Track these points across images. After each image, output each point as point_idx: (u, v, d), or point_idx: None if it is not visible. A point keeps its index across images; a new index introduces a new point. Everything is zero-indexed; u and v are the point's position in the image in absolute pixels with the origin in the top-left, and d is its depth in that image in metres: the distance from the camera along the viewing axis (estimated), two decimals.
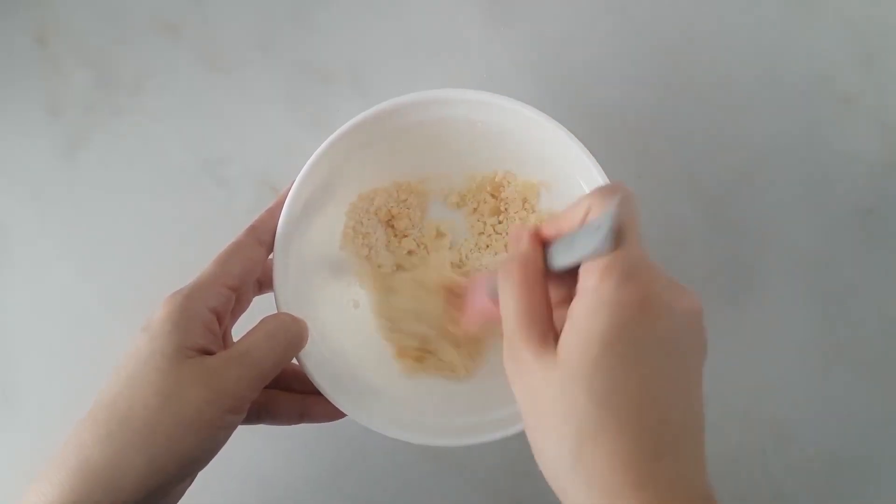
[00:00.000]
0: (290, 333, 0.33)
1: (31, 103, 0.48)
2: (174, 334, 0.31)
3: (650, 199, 0.46)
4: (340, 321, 0.41)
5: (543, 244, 0.29)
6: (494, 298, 0.32)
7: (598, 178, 0.37)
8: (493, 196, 0.43)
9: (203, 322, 0.32)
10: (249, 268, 0.35)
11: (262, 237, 0.36)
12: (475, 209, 0.43)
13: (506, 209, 0.42)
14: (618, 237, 0.24)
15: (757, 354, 0.45)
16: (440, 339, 0.41)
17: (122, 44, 0.48)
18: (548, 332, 0.27)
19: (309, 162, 0.38)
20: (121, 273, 0.46)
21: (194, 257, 0.46)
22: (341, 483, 0.44)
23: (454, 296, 0.39)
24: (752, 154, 0.47)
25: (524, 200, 0.42)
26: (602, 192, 0.26)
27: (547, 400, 0.25)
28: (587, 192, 0.39)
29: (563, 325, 0.26)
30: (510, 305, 0.27)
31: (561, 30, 0.48)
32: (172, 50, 0.48)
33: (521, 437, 0.44)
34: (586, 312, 0.25)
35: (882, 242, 0.46)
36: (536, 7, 0.48)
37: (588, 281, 0.25)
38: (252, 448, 0.44)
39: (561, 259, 0.27)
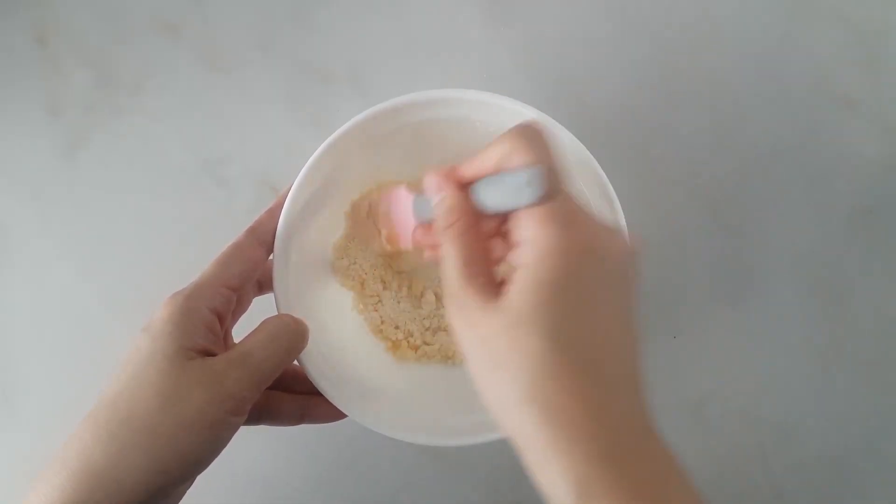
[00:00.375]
0: (292, 334, 0.33)
1: (31, 103, 0.48)
2: (175, 335, 0.31)
3: (650, 199, 0.46)
4: (340, 321, 0.41)
5: (466, 187, 0.29)
6: (424, 221, 0.33)
7: (597, 178, 0.37)
8: None
9: (204, 323, 0.32)
10: (250, 268, 0.35)
11: (262, 238, 0.36)
12: None
13: None
14: (552, 188, 0.26)
15: (757, 354, 0.45)
16: (430, 330, 0.41)
17: (122, 44, 0.48)
18: (490, 280, 0.28)
19: (309, 162, 0.38)
20: (121, 273, 0.46)
21: (194, 257, 0.46)
22: (342, 483, 0.44)
23: (378, 213, 0.40)
24: (752, 154, 0.47)
25: None
26: (521, 133, 0.27)
27: (500, 346, 0.26)
28: (585, 190, 0.39)
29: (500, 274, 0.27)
30: (452, 257, 0.28)
31: (561, 30, 0.48)
32: (172, 50, 0.48)
33: None
34: (532, 260, 0.26)
35: (882, 242, 0.46)
36: (536, 7, 0.48)
37: (528, 230, 0.26)
38: (253, 449, 0.44)
39: (491, 204, 0.28)
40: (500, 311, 0.26)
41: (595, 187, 0.38)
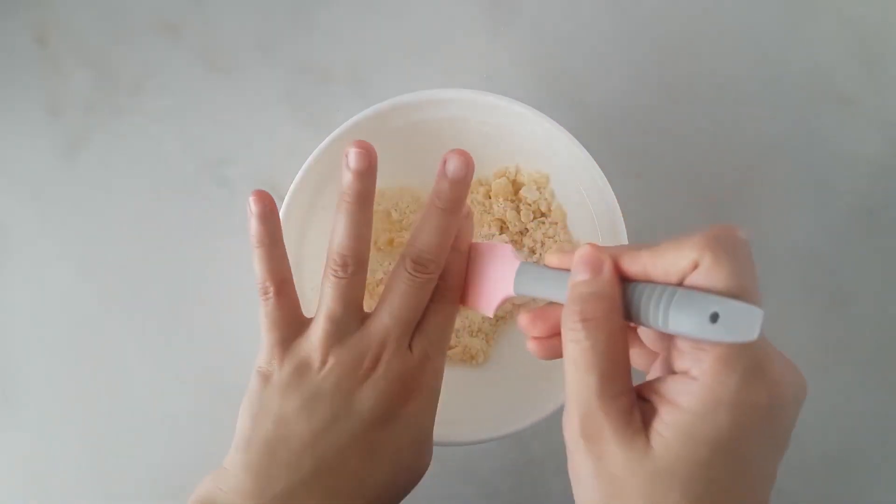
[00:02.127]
0: None
1: (31, 103, 0.48)
2: None
3: (650, 199, 0.46)
4: None
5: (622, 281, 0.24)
6: (526, 297, 0.30)
7: (597, 178, 0.37)
8: (511, 181, 0.42)
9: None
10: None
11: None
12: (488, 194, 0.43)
13: (523, 197, 0.42)
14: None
15: None
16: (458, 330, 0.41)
17: (122, 44, 0.48)
18: (633, 406, 0.23)
19: (306, 163, 0.38)
20: (121, 273, 0.46)
21: (194, 257, 0.47)
22: None
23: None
24: (752, 154, 0.47)
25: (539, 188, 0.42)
26: (723, 244, 0.22)
27: (629, 493, 0.22)
28: (585, 195, 0.39)
29: (648, 404, 0.23)
30: (591, 364, 0.23)
31: (561, 30, 0.48)
32: (172, 50, 0.48)
33: (522, 438, 0.44)
34: (698, 407, 0.22)
35: (882, 243, 0.46)
36: (536, 7, 0.48)
37: (701, 367, 0.22)
38: None
39: (655, 319, 0.23)
40: (645, 456, 0.22)
41: (594, 191, 0.38)
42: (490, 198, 0.42)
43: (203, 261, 0.47)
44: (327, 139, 0.38)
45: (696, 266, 0.22)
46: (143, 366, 0.46)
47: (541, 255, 0.42)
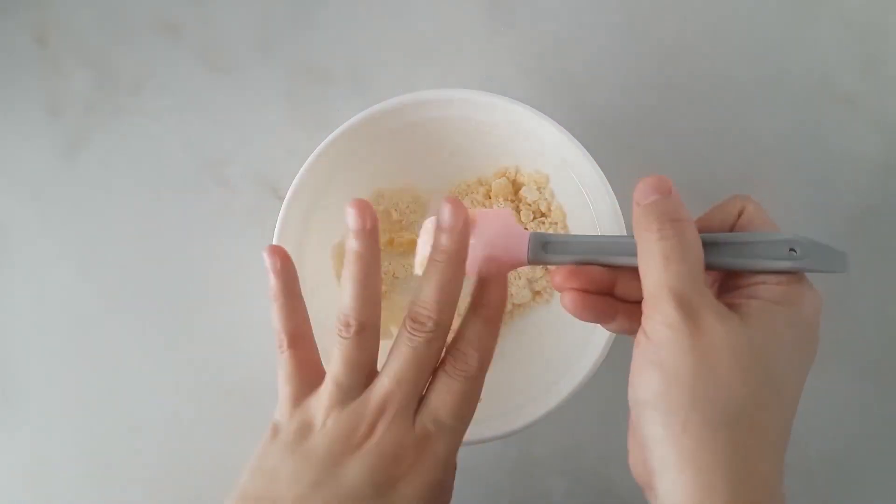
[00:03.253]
0: None
1: (31, 103, 0.48)
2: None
3: None
4: None
5: None
6: (535, 260, 0.31)
7: (596, 178, 0.37)
8: (511, 181, 0.42)
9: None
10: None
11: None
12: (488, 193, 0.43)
13: (523, 196, 0.42)
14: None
15: None
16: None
17: (122, 44, 0.48)
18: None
19: (306, 163, 0.38)
20: (121, 273, 0.46)
21: (194, 257, 0.47)
22: None
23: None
24: (752, 154, 0.47)
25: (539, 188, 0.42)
26: (749, 198, 0.30)
27: (724, 359, 0.25)
28: (585, 195, 0.39)
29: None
30: (684, 254, 0.27)
31: (561, 30, 0.48)
32: (172, 50, 0.48)
33: (522, 438, 0.44)
34: (782, 300, 0.27)
35: (882, 242, 0.46)
36: (536, 7, 0.48)
37: (772, 286, 0.28)
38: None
39: (729, 260, 0.28)
40: (742, 329, 0.26)
41: (594, 191, 0.38)
42: (490, 198, 0.42)
43: (203, 260, 0.47)
44: (328, 139, 0.38)
45: (740, 214, 0.30)
46: (143, 366, 0.46)
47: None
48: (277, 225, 0.38)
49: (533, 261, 0.31)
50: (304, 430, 0.30)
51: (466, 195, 0.43)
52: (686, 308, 0.26)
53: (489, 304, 0.31)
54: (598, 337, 0.38)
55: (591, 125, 0.47)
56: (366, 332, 0.31)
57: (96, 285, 0.46)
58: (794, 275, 0.28)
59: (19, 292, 0.46)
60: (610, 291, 0.30)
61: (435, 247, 0.31)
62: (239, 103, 0.48)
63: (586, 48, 0.48)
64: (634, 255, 0.28)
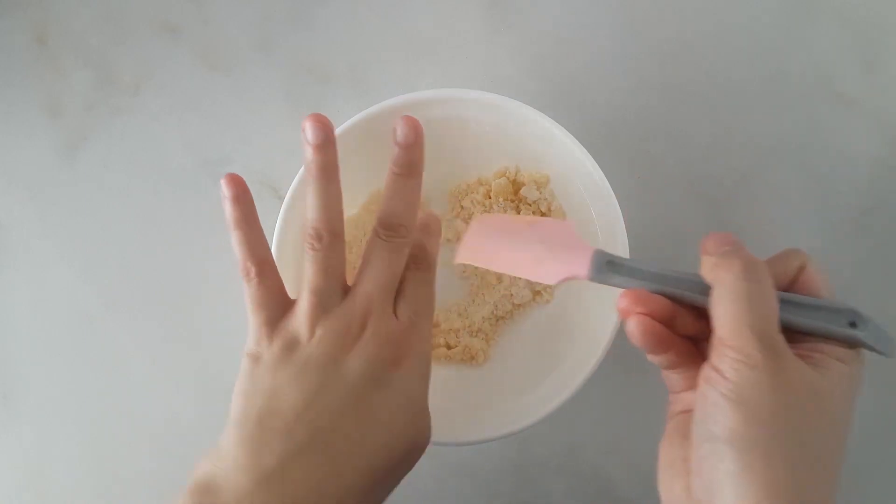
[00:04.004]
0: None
1: (31, 103, 0.48)
2: None
3: (650, 199, 0.46)
4: None
5: None
6: (596, 278, 0.31)
7: (596, 178, 0.37)
8: (511, 181, 0.42)
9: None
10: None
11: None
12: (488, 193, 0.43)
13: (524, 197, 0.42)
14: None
15: None
16: (459, 332, 0.42)
17: (121, 44, 0.48)
18: None
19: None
20: (121, 273, 0.46)
21: (194, 257, 0.47)
22: None
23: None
24: (752, 154, 0.47)
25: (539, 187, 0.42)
26: (808, 255, 0.30)
27: (808, 394, 0.26)
28: (585, 195, 0.39)
29: None
30: (766, 298, 0.28)
31: (561, 30, 0.48)
32: (172, 50, 0.48)
33: (522, 438, 0.44)
34: (850, 362, 0.29)
35: (882, 242, 0.46)
36: (536, 7, 0.48)
37: (838, 353, 0.29)
38: None
39: (796, 320, 0.29)
40: (818, 376, 0.27)
41: (594, 191, 0.38)
42: (490, 198, 0.42)
43: (203, 260, 0.47)
44: (339, 128, 0.38)
45: (801, 269, 0.30)
46: (143, 365, 0.46)
47: None
48: (277, 225, 0.38)
49: (594, 278, 0.31)
50: (291, 346, 0.31)
51: (466, 195, 0.43)
52: (770, 349, 0.26)
53: (434, 221, 0.36)
54: (598, 337, 0.38)
55: (591, 125, 0.47)
56: (336, 240, 0.33)
57: (96, 285, 0.46)
58: (852, 342, 0.29)
59: (19, 292, 0.46)
60: (669, 324, 0.30)
61: (394, 160, 0.35)
62: (239, 103, 0.48)
63: (586, 48, 0.48)
64: (703, 293, 0.29)
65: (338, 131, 0.38)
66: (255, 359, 0.32)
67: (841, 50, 0.48)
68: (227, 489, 0.29)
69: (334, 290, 0.33)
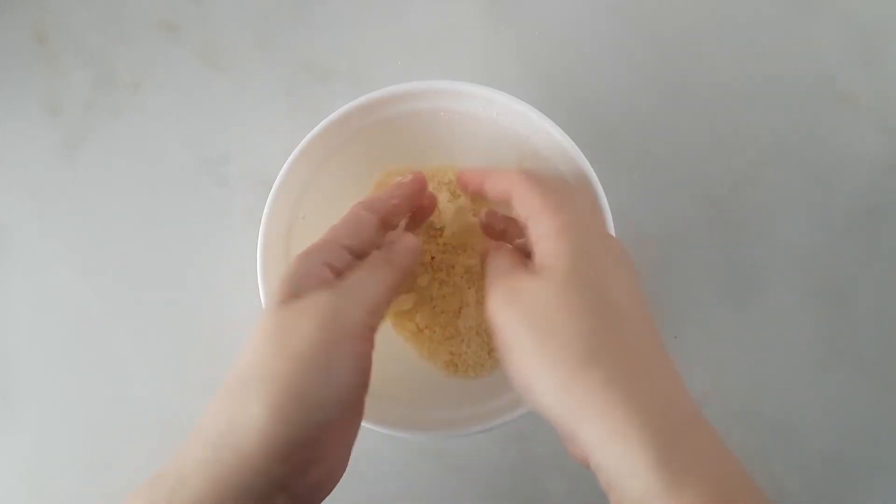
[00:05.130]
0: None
1: (30, 102, 0.48)
2: (285, 284, 0.30)
3: (650, 199, 0.46)
4: None
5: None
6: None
7: (586, 171, 0.37)
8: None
9: (313, 271, 0.30)
10: (362, 227, 0.34)
11: (372, 207, 0.35)
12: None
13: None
14: None
15: (757, 354, 0.45)
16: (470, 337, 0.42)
17: (121, 42, 0.48)
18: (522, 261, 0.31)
19: (295, 151, 0.38)
20: (120, 272, 0.46)
21: (194, 257, 0.47)
22: (342, 484, 0.44)
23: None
24: (752, 154, 0.47)
25: None
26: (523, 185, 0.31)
27: (550, 312, 0.26)
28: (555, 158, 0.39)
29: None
30: (503, 257, 0.31)
31: (561, 29, 0.48)
32: (172, 48, 0.48)
33: (521, 438, 0.44)
34: (552, 231, 0.29)
35: (882, 242, 0.46)
36: (536, 7, 0.48)
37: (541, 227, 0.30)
38: None
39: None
40: (545, 276, 0.27)
41: (562, 156, 0.38)
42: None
43: (202, 259, 0.47)
44: (318, 126, 0.38)
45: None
46: (143, 365, 0.46)
47: None
48: (263, 218, 0.37)
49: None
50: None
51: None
52: (503, 283, 0.29)
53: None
54: None
55: (591, 124, 0.47)
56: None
57: (95, 284, 0.46)
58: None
59: (19, 292, 0.46)
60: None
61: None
62: (238, 102, 0.48)
63: (586, 47, 0.48)
64: None
65: (326, 121, 0.38)
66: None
67: (842, 49, 0.48)
68: (245, 422, 0.26)
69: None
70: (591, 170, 0.37)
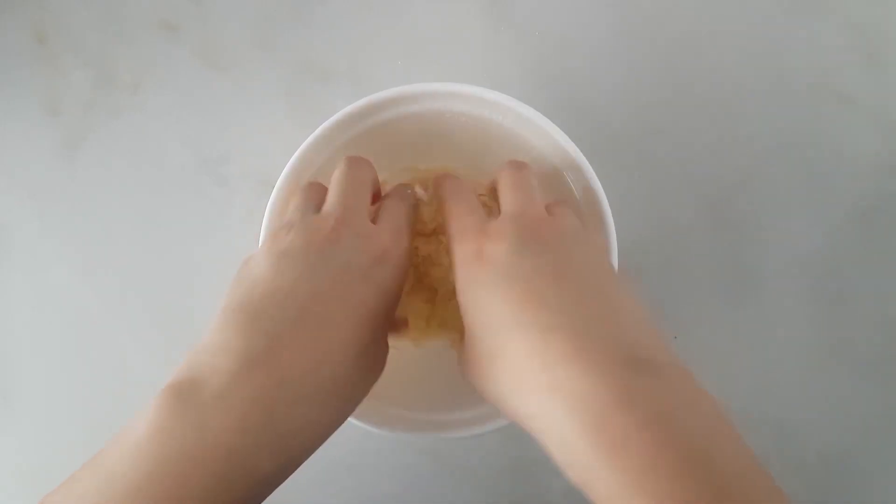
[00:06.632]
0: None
1: (30, 102, 0.48)
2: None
3: (650, 199, 0.46)
4: None
5: None
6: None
7: (585, 173, 0.37)
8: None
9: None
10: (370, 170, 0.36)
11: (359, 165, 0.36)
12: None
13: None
14: None
15: (757, 354, 0.45)
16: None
17: (121, 42, 0.48)
18: None
19: (300, 149, 0.38)
20: (120, 272, 0.46)
21: (194, 256, 0.47)
22: (340, 484, 0.44)
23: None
24: (752, 154, 0.47)
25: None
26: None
27: (482, 281, 0.29)
28: (576, 192, 0.39)
29: None
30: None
31: (561, 30, 0.48)
32: (171, 48, 0.48)
33: (521, 437, 0.44)
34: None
35: (882, 242, 0.46)
36: (536, 7, 0.48)
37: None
38: None
39: None
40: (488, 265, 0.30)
41: (582, 189, 0.38)
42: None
43: (202, 259, 0.47)
44: (320, 127, 0.38)
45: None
46: (143, 365, 0.46)
47: None
48: (265, 218, 0.38)
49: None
50: (273, 239, 0.33)
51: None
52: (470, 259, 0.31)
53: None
54: None
55: (591, 124, 0.47)
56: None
57: (95, 284, 0.46)
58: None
59: (19, 292, 0.46)
60: None
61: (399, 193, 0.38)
62: (238, 102, 0.48)
63: (586, 48, 0.48)
64: None
65: (327, 124, 0.38)
66: (245, 261, 0.33)
67: (841, 50, 0.48)
68: (212, 378, 0.27)
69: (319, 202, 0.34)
70: (597, 181, 0.37)
